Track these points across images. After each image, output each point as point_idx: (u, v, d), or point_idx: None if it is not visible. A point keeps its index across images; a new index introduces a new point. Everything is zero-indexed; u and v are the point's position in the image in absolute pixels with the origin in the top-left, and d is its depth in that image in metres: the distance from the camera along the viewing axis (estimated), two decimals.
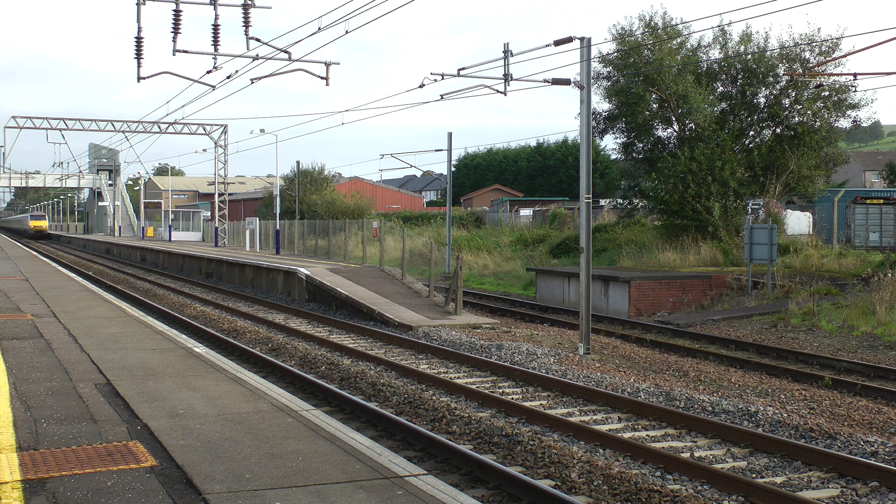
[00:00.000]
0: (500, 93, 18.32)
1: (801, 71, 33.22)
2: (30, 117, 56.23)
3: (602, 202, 58.57)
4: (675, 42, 36.28)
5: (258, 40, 19.84)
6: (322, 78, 21.67)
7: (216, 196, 54.97)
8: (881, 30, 60.64)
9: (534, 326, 22.36)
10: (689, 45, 37.03)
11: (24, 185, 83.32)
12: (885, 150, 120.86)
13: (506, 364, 15.78)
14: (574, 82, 18.18)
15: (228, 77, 24.02)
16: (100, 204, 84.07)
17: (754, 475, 9.65)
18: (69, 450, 7.10)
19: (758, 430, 11.32)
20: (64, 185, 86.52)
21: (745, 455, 10.46)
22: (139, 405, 8.79)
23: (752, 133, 37.10)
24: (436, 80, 19.88)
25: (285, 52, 20.79)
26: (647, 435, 11.32)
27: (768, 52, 34.84)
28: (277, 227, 43.36)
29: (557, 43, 17.23)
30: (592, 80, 22.51)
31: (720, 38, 36.20)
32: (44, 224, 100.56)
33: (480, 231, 51.10)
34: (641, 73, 34.55)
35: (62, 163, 77.78)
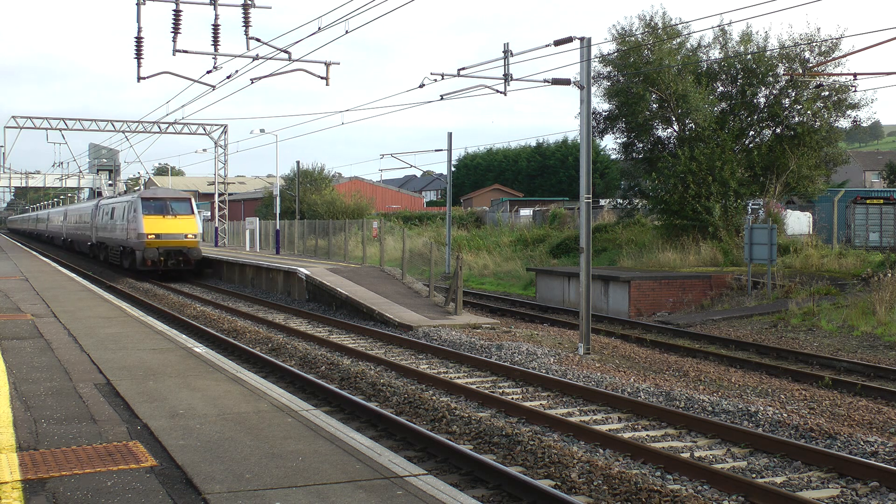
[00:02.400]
0: (500, 93, 18.32)
1: (801, 71, 33.22)
2: (30, 117, 56.12)
3: (602, 202, 58.58)
4: (675, 42, 36.30)
5: (258, 40, 19.84)
6: (322, 78, 21.66)
7: (216, 196, 54.94)
8: (881, 30, 60.67)
9: (534, 326, 22.36)
10: (689, 45, 37.07)
11: (24, 185, 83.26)
12: (885, 150, 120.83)
13: (506, 364, 15.77)
14: (574, 82, 18.18)
15: (228, 77, 24.00)
16: None
17: (754, 475, 9.64)
18: (69, 450, 7.10)
19: (758, 430, 11.32)
20: (64, 185, 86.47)
21: (745, 455, 10.46)
22: (139, 405, 8.79)
23: (752, 133, 37.13)
24: (436, 80, 19.89)
25: (285, 52, 20.78)
26: (647, 435, 11.31)
27: (768, 52, 34.85)
28: (277, 227, 43.36)
29: (557, 43, 17.23)
30: (592, 80, 22.50)
31: (720, 38, 36.25)
32: (190, 229, 36.94)
33: (480, 231, 51.10)
34: (641, 73, 34.55)
35: (62, 163, 77.77)
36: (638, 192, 38.96)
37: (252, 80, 24.28)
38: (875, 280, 22.98)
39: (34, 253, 47.41)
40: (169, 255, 35.72)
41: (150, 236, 35.60)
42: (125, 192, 46.83)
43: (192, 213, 37.43)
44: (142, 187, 56.99)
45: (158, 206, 36.95)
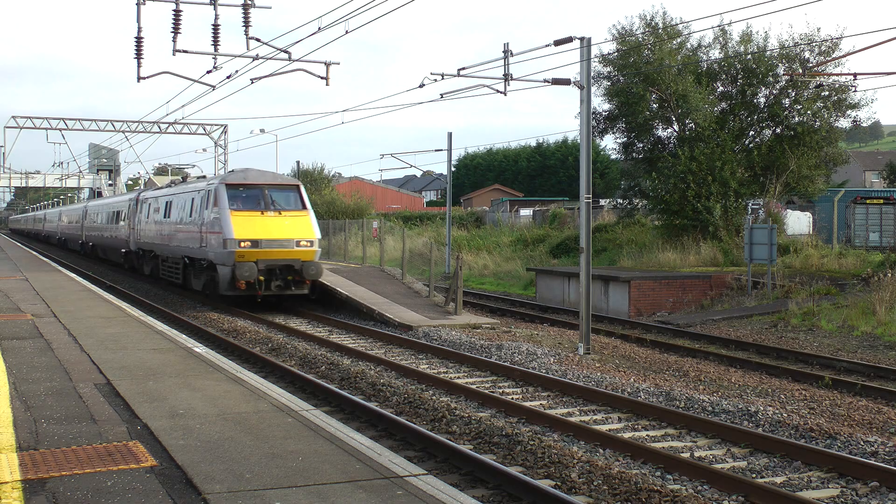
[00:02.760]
0: (500, 93, 18.33)
1: (801, 71, 33.20)
2: (30, 117, 56.20)
3: (602, 202, 58.59)
4: (675, 42, 36.30)
5: (258, 40, 19.83)
6: (322, 78, 21.66)
7: None
8: (881, 30, 60.70)
9: (534, 326, 22.36)
10: (689, 45, 37.07)
11: (24, 185, 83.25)
12: (885, 150, 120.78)
13: (506, 364, 15.78)
14: (574, 82, 18.17)
15: (228, 77, 23.99)
16: None
17: (754, 475, 9.64)
18: (69, 450, 7.10)
19: (758, 430, 11.32)
20: (64, 185, 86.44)
21: (745, 455, 10.46)
22: (139, 405, 8.79)
23: (752, 133, 37.12)
24: (436, 80, 19.89)
25: (285, 52, 20.78)
26: (647, 435, 11.31)
27: (768, 52, 34.85)
28: None
29: (557, 43, 17.23)
30: (592, 80, 22.49)
31: (720, 38, 36.23)
32: (304, 233, 23.90)
33: (480, 231, 51.11)
34: (642, 73, 34.56)
35: (62, 163, 77.74)
36: (638, 192, 38.97)
37: (252, 80, 24.28)
38: (875, 280, 22.98)
39: (35, 253, 47.40)
40: (272, 274, 23.47)
41: (243, 244, 23.06)
42: (183, 179, 31.77)
43: (305, 207, 24.51)
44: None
45: (252, 197, 24.11)
